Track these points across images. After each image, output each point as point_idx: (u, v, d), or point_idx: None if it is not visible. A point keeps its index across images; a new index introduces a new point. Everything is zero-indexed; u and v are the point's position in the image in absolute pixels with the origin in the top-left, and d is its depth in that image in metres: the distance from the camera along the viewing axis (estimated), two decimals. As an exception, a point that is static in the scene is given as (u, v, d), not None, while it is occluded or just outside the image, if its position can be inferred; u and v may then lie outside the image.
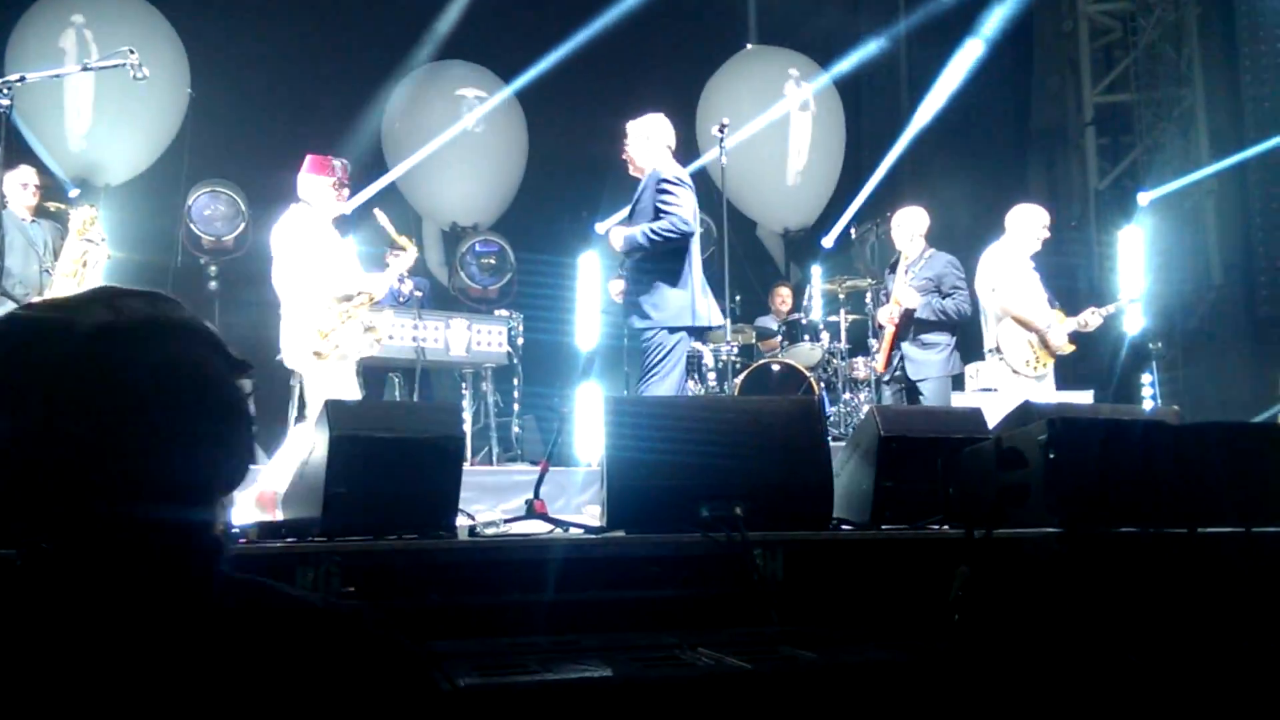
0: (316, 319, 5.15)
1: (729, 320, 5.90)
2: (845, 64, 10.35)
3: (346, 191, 5.27)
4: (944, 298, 6.57)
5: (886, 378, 6.76)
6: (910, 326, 6.59)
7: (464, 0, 9.61)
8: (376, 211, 6.19)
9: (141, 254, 8.33)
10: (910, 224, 6.76)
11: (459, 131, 9.95)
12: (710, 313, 5.63)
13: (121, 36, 7.87)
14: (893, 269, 6.83)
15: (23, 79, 4.45)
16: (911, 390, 6.63)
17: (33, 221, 6.58)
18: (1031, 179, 11.17)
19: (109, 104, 8.19)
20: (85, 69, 4.52)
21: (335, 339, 5.17)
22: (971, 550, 2.97)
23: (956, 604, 2.78)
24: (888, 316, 6.65)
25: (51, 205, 6.67)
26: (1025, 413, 3.79)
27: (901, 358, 6.62)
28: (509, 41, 9.88)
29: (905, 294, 6.52)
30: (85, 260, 6.25)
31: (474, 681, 2.17)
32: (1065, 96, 11.04)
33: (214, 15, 9.07)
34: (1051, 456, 2.74)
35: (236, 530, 3.28)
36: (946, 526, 3.44)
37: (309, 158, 5.46)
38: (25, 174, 6.55)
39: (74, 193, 6.67)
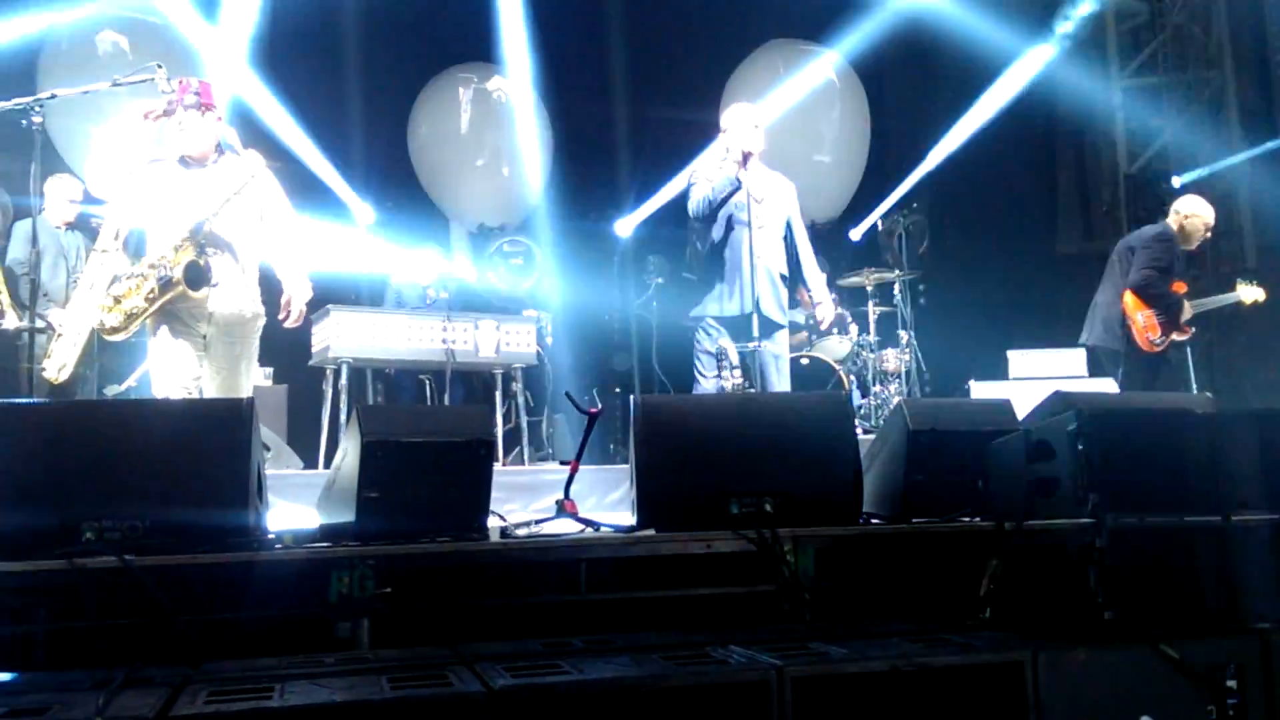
0: None
1: (755, 315, 5.86)
2: (866, 55, 10.30)
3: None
4: None
5: None
6: None
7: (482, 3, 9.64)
8: None
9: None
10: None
11: (481, 133, 10.02)
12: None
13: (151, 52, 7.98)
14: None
15: (53, 96, 4.51)
16: None
17: (67, 230, 6.68)
18: (1060, 166, 11.10)
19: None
20: (115, 85, 4.55)
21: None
22: (1003, 543, 2.96)
23: (988, 598, 2.78)
24: None
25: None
26: (1057, 403, 3.77)
27: None
28: (531, 41, 9.89)
29: None
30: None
31: (507, 683, 2.20)
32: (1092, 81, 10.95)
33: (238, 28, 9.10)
34: (1080, 448, 2.73)
35: (272, 536, 3.32)
36: (978, 519, 3.43)
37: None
38: (69, 186, 6.64)
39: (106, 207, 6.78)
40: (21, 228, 6.46)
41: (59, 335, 4.88)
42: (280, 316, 5.13)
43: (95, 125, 8.04)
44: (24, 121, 4.40)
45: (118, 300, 4.77)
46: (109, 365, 6.74)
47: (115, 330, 4.82)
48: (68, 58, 8.33)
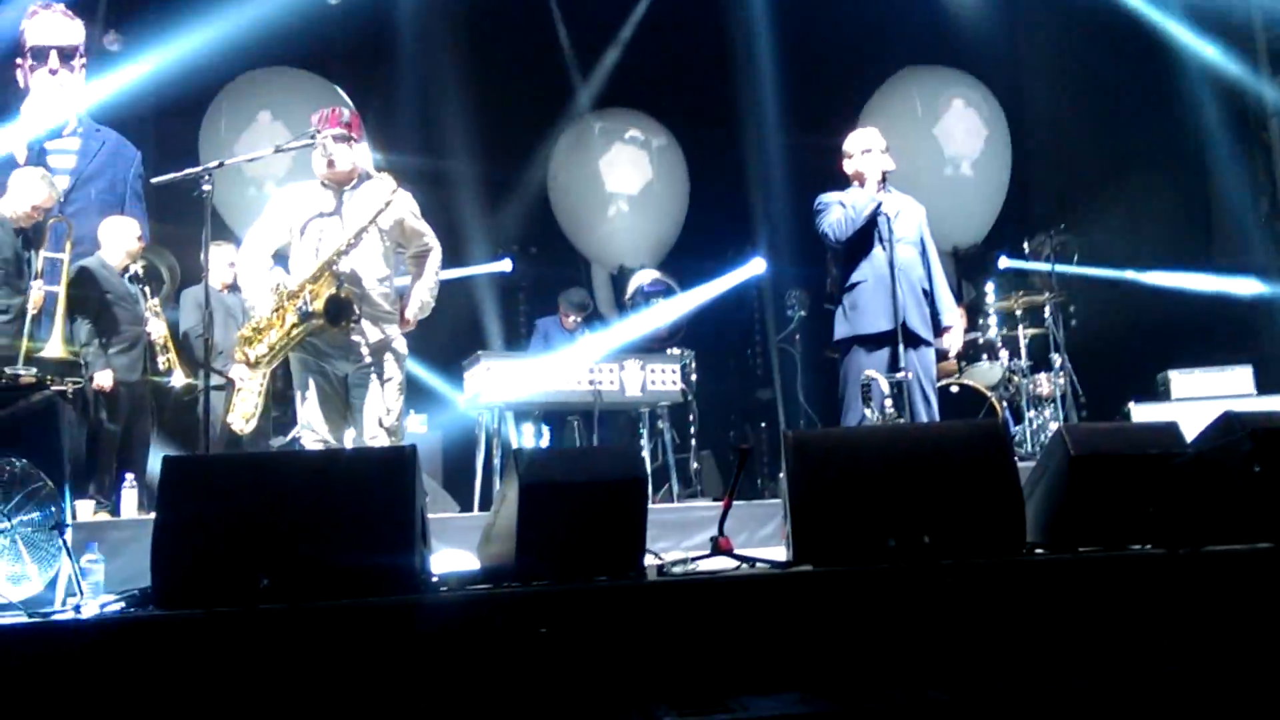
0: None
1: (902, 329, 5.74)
2: (1008, 78, 10.11)
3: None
4: None
5: None
6: None
7: (617, 48, 9.84)
8: None
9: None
10: None
11: (619, 174, 10.18)
12: None
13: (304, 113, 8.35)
14: None
15: (221, 164, 4.76)
16: None
17: (229, 292, 7.04)
18: (1213, 175, 10.64)
19: (292, 177, 8.63)
20: (277, 150, 4.79)
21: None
22: (1176, 570, 2.86)
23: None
24: None
25: None
26: (1228, 424, 3.61)
27: None
28: (664, 84, 10.04)
29: None
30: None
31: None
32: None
33: (380, 86, 9.45)
34: (1257, 470, 2.63)
35: (436, 579, 3.41)
36: (1149, 547, 3.31)
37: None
38: (227, 253, 7.01)
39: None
40: (192, 295, 6.85)
41: (240, 390, 5.10)
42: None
43: (256, 190, 8.46)
44: (195, 192, 4.65)
45: (259, 331, 4.87)
46: (277, 419, 7.07)
47: (258, 363, 4.88)
48: (228, 124, 8.77)
